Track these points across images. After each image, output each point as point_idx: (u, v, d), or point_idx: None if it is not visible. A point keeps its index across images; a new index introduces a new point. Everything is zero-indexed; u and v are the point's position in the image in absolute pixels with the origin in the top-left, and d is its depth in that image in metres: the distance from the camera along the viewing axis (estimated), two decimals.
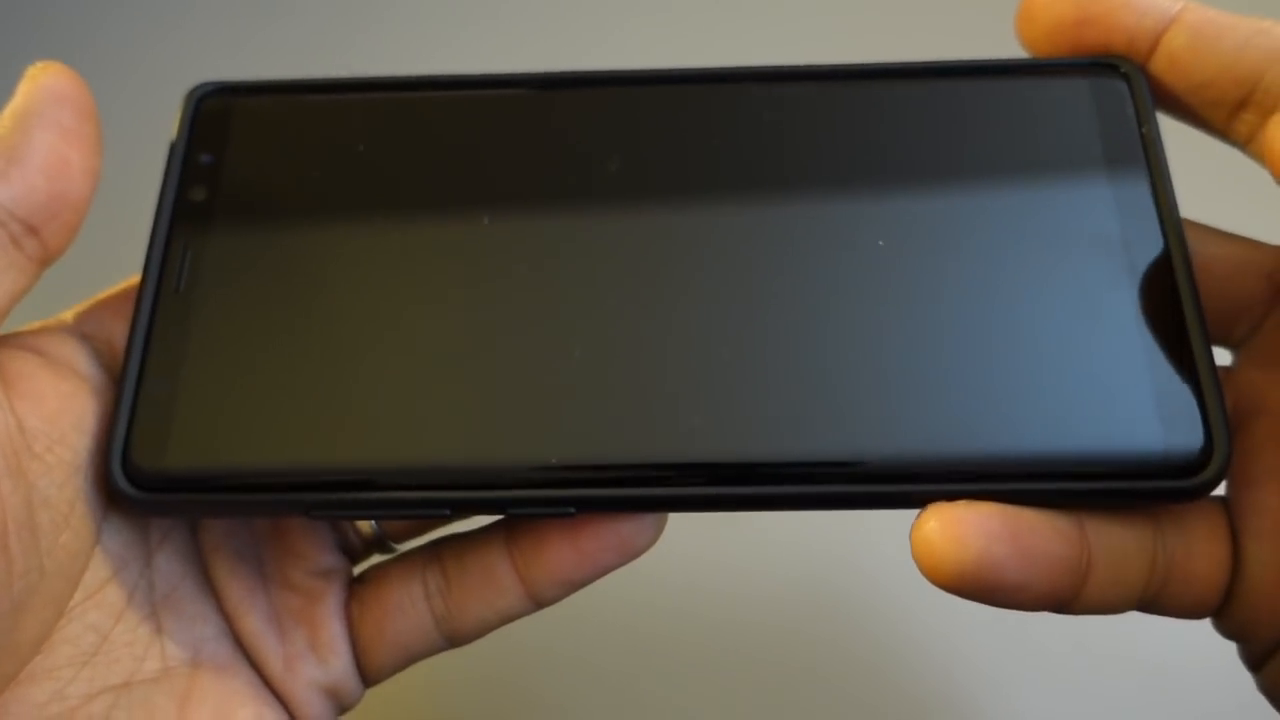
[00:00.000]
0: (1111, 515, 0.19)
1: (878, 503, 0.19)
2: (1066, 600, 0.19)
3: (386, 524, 0.22)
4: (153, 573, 0.20)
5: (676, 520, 0.21)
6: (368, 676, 0.22)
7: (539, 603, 0.21)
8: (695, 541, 0.33)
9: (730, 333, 0.19)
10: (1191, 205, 0.21)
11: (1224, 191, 0.27)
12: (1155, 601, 0.20)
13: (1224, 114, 0.20)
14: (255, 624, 0.21)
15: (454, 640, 0.22)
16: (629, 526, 0.20)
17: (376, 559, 0.23)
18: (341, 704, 0.22)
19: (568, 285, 0.20)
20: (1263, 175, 0.21)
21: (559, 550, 0.21)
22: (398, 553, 0.23)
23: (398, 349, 0.20)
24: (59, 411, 0.19)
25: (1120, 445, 0.18)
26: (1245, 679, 0.21)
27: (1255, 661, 0.20)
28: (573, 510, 0.19)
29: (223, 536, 0.21)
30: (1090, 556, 0.18)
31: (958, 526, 0.18)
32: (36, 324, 0.20)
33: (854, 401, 0.19)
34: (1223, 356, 0.21)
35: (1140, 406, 0.18)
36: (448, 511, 0.19)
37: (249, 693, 0.20)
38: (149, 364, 0.20)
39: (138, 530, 0.20)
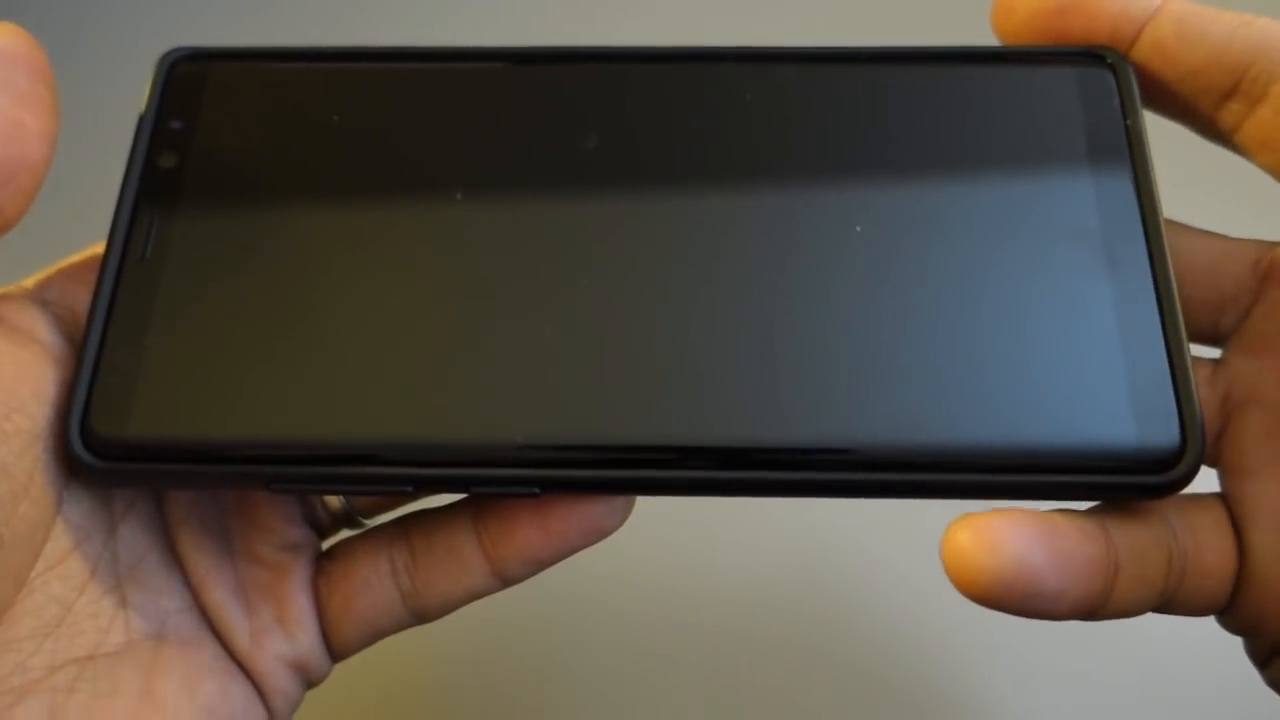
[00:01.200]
0: (1129, 514, 0.19)
1: (842, 490, 0.19)
2: (1098, 605, 0.18)
3: (354, 499, 0.22)
4: (117, 544, 0.20)
5: (663, 515, 0.21)
6: (335, 652, 0.22)
7: (505, 581, 0.21)
8: (686, 535, 0.33)
9: (700, 315, 0.19)
10: (1176, 201, 0.21)
11: (1209, 188, 0.27)
12: (1172, 600, 0.19)
13: (1210, 103, 0.20)
14: (221, 597, 0.21)
15: (421, 617, 0.22)
16: (597, 508, 0.20)
17: (345, 534, 0.23)
18: (309, 678, 0.22)
19: (540, 263, 0.20)
20: (1245, 172, 0.21)
21: (525, 529, 0.21)
22: (366, 528, 0.23)
23: (364, 323, 0.19)
24: (17, 379, 0.18)
25: (1094, 439, 0.18)
26: (1243, 673, 0.21)
27: (1263, 657, 0.20)
28: (537, 490, 0.19)
29: (188, 508, 0.21)
30: (1117, 557, 0.18)
31: (991, 534, 0.17)
32: None
33: (824, 387, 0.19)
34: (1214, 351, 0.21)
35: (1115, 401, 0.18)
36: (410, 488, 0.19)
37: (215, 666, 0.20)
38: (112, 331, 0.19)
39: (101, 501, 0.20)
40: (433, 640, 0.23)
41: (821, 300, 0.19)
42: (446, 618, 0.22)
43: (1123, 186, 0.20)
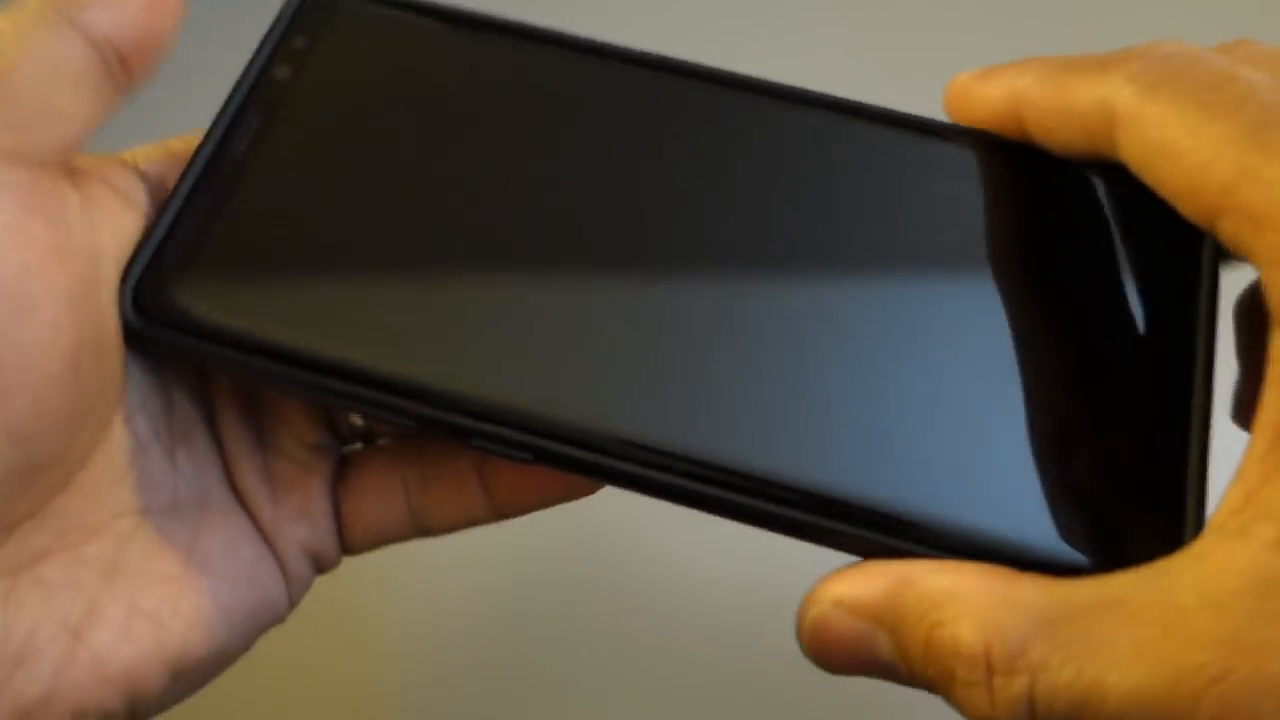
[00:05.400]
0: None
1: (798, 532, 0.19)
2: None
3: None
4: (174, 411, 0.21)
5: (671, 522, 0.22)
6: (346, 549, 0.24)
7: (502, 516, 0.24)
8: (685, 534, 0.34)
9: (709, 332, 0.20)
10: None
11: None
12: None
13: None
14: (251, 483, 0.22)
15: (426, 532, 0.24)
16: None
17: (360, 447, 0.25)
18: (321, 567, 0.23)
19: (589, 249, 0.21)
20: None
21: (516, 477, 0.23)
22: (379, 445, 0.25)
23: (422, 266, 0.21)
24: (122, 233, 0.20)
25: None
26: None
27: None
28: (529, 457, 0.20)
29: (229, 397, 0.22)
30: None
31: None
32: (97, 156, 0.21)
33: (796, 428, 0.19)
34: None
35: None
36: (412, 424, 0.20)
37: (250, 537, 0.22)
38: (188, 208, 0.20)
39: (159, 369, 0.21)
40: (428, 646, 0.24)
41: (814, 347, 0.20)
42: (444, 620, 0.23)
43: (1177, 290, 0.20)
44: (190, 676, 0.20)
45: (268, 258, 0.21)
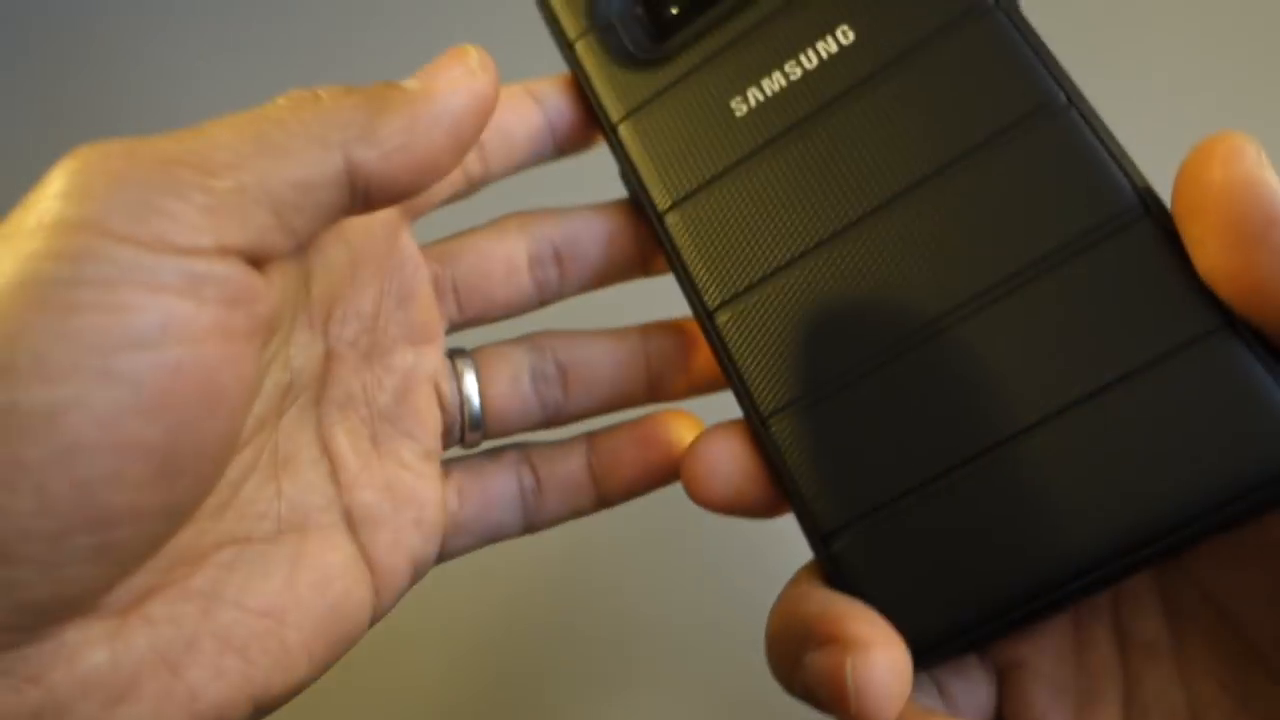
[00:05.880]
0: None
1: None
2: None
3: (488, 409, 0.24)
4: (278, 436, 0.21)
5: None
6: (443, 555, 0.24)
7: (607, 504, 0.24)
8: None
9: None
10: None
11: None
12: None
13: None
14: (371, 497, 0.22)
15: (532, 530, 0.24)
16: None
17: (457, 452, 0.25)
18: (419, 575, 0.23)
19: None
20: None
21: (626, 466, 0.24)
22: (480, 448, 0.25)
23: None
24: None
25: None
26: None
27: None
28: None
29: (340, 411, 0.22)
30: None
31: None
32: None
33: None
34: None
35: None
36: None
37: (345, 566, 0.21)
38: None
39: (276, 394, 0.21)
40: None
41: None
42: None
43: None
44: (268, 709, 0.20)
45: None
